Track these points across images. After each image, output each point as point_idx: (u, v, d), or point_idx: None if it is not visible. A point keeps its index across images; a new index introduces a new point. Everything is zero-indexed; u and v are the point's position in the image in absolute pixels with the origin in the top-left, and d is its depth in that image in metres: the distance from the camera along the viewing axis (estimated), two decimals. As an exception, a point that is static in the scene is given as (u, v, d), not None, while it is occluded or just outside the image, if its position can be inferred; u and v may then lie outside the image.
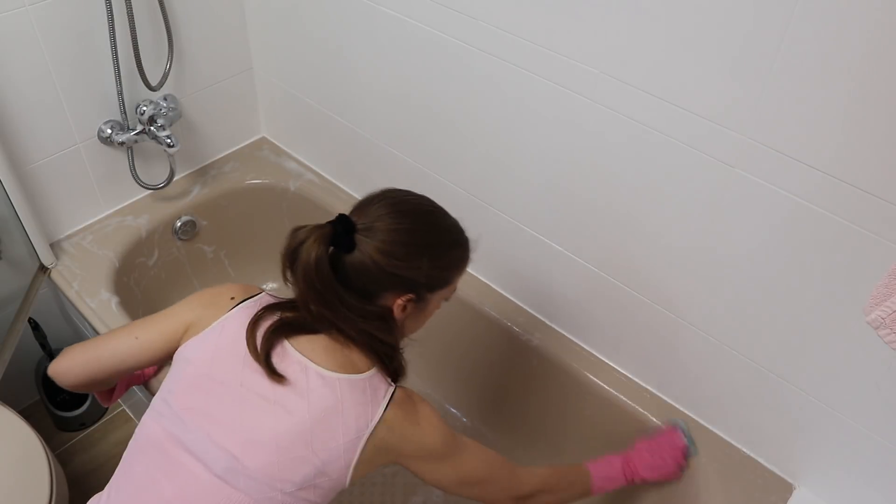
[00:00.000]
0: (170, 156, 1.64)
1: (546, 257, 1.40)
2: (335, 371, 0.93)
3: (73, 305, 1.53)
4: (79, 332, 1.69)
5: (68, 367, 1.07)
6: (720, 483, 1.27)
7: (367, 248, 0.89)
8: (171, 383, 0.97)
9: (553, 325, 1.52)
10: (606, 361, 1.46)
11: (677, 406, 1.38)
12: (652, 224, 1.17)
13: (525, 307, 1.55)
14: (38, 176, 1.50)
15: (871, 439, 1.10)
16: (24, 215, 1.45)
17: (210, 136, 1.82)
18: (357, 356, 0.95)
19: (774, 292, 1.08)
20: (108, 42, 1.42)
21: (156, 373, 1.29)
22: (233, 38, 1.71)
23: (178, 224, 1.75)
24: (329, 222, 0.90)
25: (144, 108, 1.55)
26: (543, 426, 1.62)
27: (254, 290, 1.04)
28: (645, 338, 1.34)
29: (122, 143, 1.57)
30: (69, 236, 1.64)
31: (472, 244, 1.00)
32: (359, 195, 1.78)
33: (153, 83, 1.53)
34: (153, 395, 1.28)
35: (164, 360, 1.06)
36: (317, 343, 0.95)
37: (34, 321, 1.63)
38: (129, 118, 1.56)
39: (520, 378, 1.59)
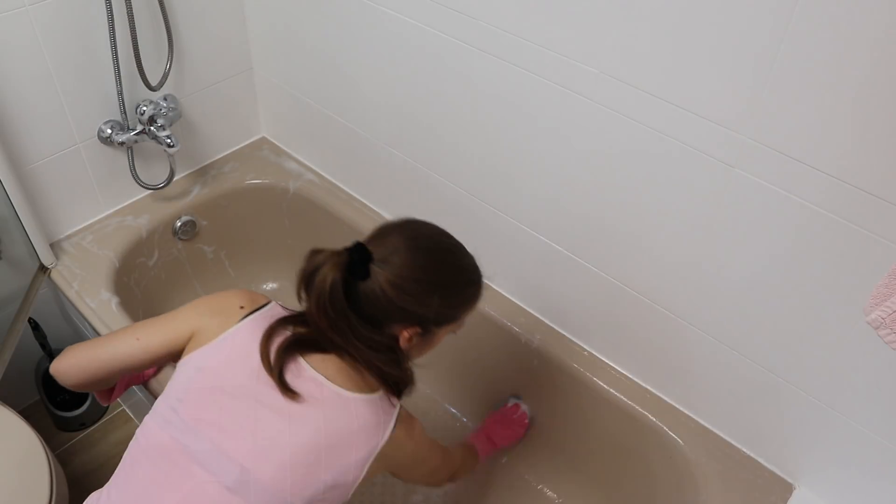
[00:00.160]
0: (170, 156, 1.64)
1: (546, 258, 1.40)
2: (350, 390, 0.95)
3: (73, 305, 1.53)
4: (79, 332, 1.69)
5: (70, 366, 1.07)
6: (720, 483, 1.27)
7: (380, 279, 0.90)
8: (179, 392, 0.96)
9: (553, 326, 1.52)
10: (606, 361, 1.46)
11: (677, 406, 1.38)
12: (652, 224, 1.17)
13: (526, 307, 1.55)
14: (38, 176, 1.50)
15: (871, 439, 1.11)
16: (24, 215, 1.45)
17: (210, 136, 1.82)
18: (368, 376, 0.97)
19: (774, 292, 1.08)
20: (108, 42, 1.42)
21: (155, 373, 1.29)
22: (233, 38, 1.71)
23: (178, 224, 1.75)
24: (346, 249, 0.91)
25: (144, 108, 1.55)
26: (543, 426, 1.62)
27: (262, 299, 1.04)
28: (645, 338, 1.34)
29: (122, 143, 1.57)
30: (69, 236, 1.64)
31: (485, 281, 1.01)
32: (359, 195, 1.78)
33: (153, 83, 1.53)
34: (153, 395, 1.29)
35: (165, 362, 1.06)
36: (329, 362, 0.96)
37: (34, 321, 1.63)
38: (129, 118, 1.56)
39: (520, 378, 1.59)
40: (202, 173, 1.83)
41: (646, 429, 1.39)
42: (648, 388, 1.42)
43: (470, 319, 1.03)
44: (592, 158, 1.18)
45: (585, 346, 1.48)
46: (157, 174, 1.72)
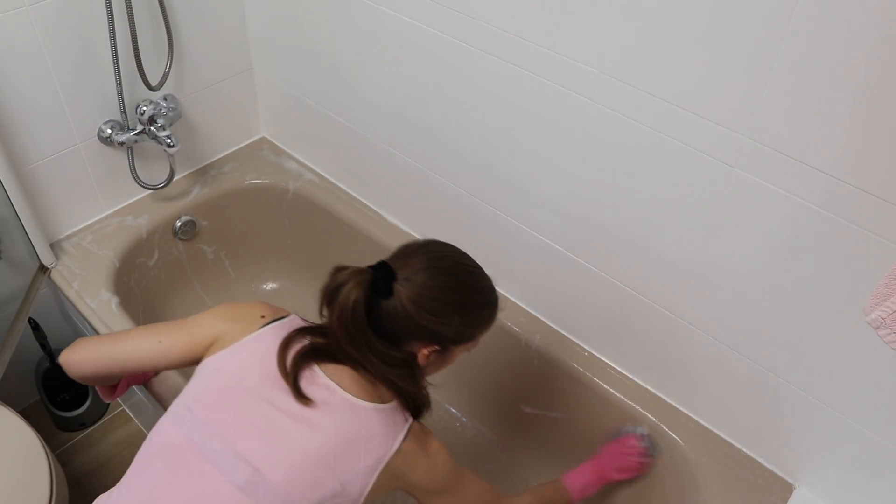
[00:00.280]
0: (170, 156, 1.64)
1: (546, 257, 1.40)
2: (362, 399, 0.96)
3: (73, 305, 1.53)
4: (79, 332, 1.69)
5: (82, 358, 1.08)
6: (720, 483, 1.27)
7: (402, 297, 0.92)
8: (196, 392, 0.98)
9: (553, 326, 1.52)
10: (606, 361, 1.46)
11: (677, 406, 1.38)
12: (652, 224, 1.17)
13: (525, 307, 1.55)
14: (38, 176, 1.50)
15: (870, 439, 1.11)
16: (24, 215, 1.45)
17: (210, 136, 1.82)
18: (382, 388, 0.98)
19: (774, 292, 1.08)
20: (108, 42, 1.42)
21: (156, 373, 1.29)
22: (233, 38, 1.71)
23: (178, 224, 1.75)
24: (371, 267, 0.93)
25: (144, 108, 1.55)
26: (544, 426, 1.62)
27: (283, 311, 1.06)
28: (645, 338, 1.34)
29: (122, 143, 1.57)
30: (69, 236, 1.64)
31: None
32: (359, 195, 1.78)
33: (153, 83, 1.53)
34: (154, 395, 1.29)
35: (180, 367, 1.07)
36: (344, 372, 0.97)
37: (34, 321, 1.63)
38: (129, 118, 1.56)
39: (520, 378, 1.59)
40: (202, 173, 1.83)
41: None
42: (648, 388, 1.42)
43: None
44: (592, 158, 1.18)
45: (585, 346, 1.48)
46: (157, 174, 1.72)
